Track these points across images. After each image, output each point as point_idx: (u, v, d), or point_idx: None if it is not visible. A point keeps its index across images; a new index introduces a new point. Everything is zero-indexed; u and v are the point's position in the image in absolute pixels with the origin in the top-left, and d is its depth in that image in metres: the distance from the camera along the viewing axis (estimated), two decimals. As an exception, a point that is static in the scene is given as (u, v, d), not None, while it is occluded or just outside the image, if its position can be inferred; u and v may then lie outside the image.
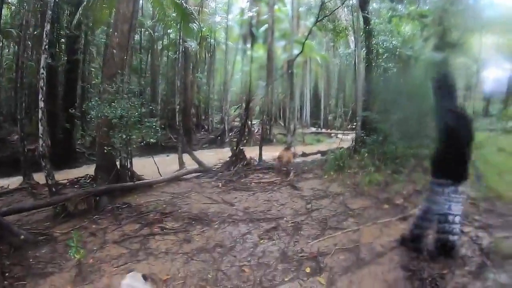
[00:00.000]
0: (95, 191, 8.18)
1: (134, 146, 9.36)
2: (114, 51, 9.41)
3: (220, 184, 9.59)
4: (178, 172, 11.32)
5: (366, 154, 10.08)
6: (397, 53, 11.89)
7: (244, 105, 15.88)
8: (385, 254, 4.76)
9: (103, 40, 21.37)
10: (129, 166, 9.88)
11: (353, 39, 22.80)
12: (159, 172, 11.45)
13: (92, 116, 8.40)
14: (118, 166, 9.57)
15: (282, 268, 4.65)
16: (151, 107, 14.85)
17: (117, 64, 9.36)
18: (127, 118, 8.36)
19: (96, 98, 9.21)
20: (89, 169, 12.07)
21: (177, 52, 19.01)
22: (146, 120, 9.02)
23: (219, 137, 27.17)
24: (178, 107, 16.35)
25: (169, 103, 26.93)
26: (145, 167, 12.22)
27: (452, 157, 4.29)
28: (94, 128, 18.15)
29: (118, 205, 7.82)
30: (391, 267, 4.44)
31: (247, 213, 7.03)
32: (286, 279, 4.37)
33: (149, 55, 28.50)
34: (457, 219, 4.26)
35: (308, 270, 4.54)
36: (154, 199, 8.33)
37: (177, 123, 15.62)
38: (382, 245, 5.04)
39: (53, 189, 8.31)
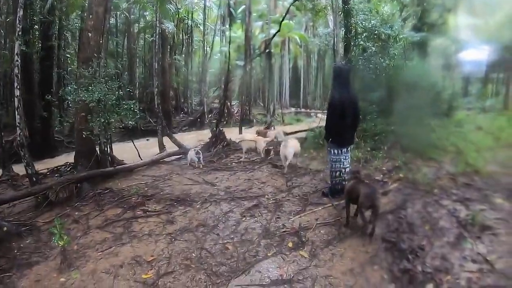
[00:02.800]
0: (75, 178, 8.11)
1: (113, 130, 9.27)
2: (90, 34, 9.20)
3: (200, 165, 9.55)
4: (158, 155, 11.26)
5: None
6: (376, 32, 11.87)
7: (222, 86, 15.79)
8: (366, 227, 4.87)
9: (77, 25, 20.65)
10: (109, 151, 9.81)
11: (332, 19, 22.78)
12: (139, 156, 11.44)
13: (69, 102, 8.26)
14: (98, 152, 9.43)
15: (264, 243, 4.73)
16: (128, 89, 14.70)
17: (92, 48, 9.17)
18: (105, 102, 8.25)
19: (73, 83, 9.05)
20: (69, 157, 11.84)
21: (154, 34, 18.71)
22: (124, 102, 8.92)
23: (198, 119, 27.06)
24: (156, 90, 16.05)
25: (147, 87, 26.60)
26: (126, 151, 12.24)
27: (342, 127, 5.85)
28: (72, 115, 17.94)
29: (100, 190, 7.75)
30: (372, 239, 4.55)
31: (228, 192, 7.07)
32: (269, 254, 4.45)
33: (126, 38, 27.94)
34: (348, 170, 5.88)
35: (290, 244, 4.64)
36: (136, 183, 8.27)
37: (156, 107, 15.39)
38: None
39: (34, 179, 8.18)
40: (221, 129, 13.15)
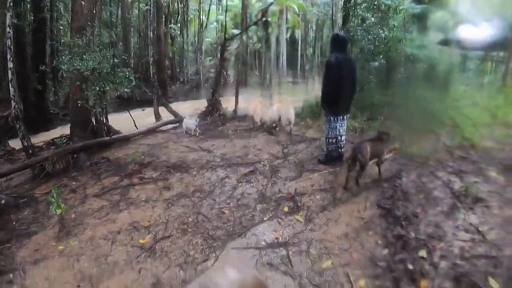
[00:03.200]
0: (72, 149, 8.11)
1: (109, 99, 9.20)
2: (83, 2, 9.03)
3: (197, 133, 9.55)
4: (154, 124, 11.23)
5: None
6: (376, 3, 11.65)
7: (218, 55, 15.57)
8: (360, 194, 4.90)
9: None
10: (104, 121, 9.78)
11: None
12: (135, 125, 11.42)
13: (64, 72, 8.18)
14: (94, 122, 9.41)
15: (260, 208, 4.80)
16: (124, 57, 14.51)
17: (86, 16, 9.00)
18: (100, 70, 8.16)
19: (67, 53, 8.93)
20: (65, 130, 11.72)
21: (149, 3, 18.33)
22: (119, 70, 8.82)
23: (194, 89, 26.85)
24: (151, 59, 15.87)
25: (142, 56, 26.27)
26: (122, 122, 12.19)
27: (339, 95, 5.86)
28: (66, 87, 17.71)
29: (96, 160, 7.78)
30: (366, 205, 4.59)
31: (225, 159, 7.10)
32: (265, 218, 4.51)
33: (119, 8, 27.41)
34: (344, 137, 6.20)
35: (286, 209, 4.70)
36: (132, 151, 8.26)
37: (151, 76, 15.24)
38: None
39: (30, 151, 8.17)
40: (217, 97, 13.05)
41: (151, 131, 10.44)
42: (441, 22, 12.98)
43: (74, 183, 6.69)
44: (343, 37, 6.12)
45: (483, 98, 10.71)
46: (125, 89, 8.86)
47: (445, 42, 12.75)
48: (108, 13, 25.30)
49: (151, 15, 17.55)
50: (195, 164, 6.89)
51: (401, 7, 11.97)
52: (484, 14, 12.69)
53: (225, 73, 25.42)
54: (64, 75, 8.46)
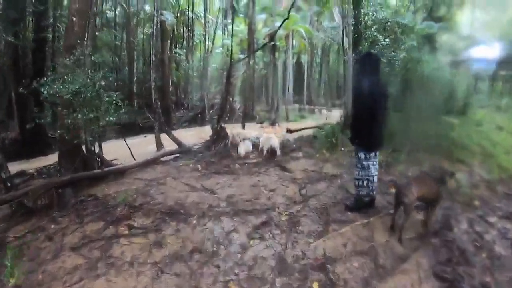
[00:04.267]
0: (56, 183, 7.00)
1: (100, 126, 8.07)
2: (74, 19, 8.10)
3: (199, 167, 8.49)
4: (154, 155, 10.14)
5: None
6: (389, 24, 11.16)
7: (224, 80, 14.69)
8: (409, 257, 3.77)
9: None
10: (96, 151, 8.70)
11: (338, 13, 21.93)
12: (132, 155, 10.36)
13: (44, 95, 7.12)
14: (85, 152, 8.34)
15: (281, 284, 3.59)
16: (115, 80, 13.52)
17: (76, 33, 8.06)
18: (85, 94, 7.08)
19: (48, 73, 7.92)
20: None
21: (152, 25, 17.60)
22: (106, 94, 7.67)
23: (199, 115, 25.96)
24: (153, 84, 15.02)
25: (146, 81, 25.47)
26: (121, 150, 11.18)
27: (372, 126, 4.81)
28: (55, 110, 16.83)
29: (83, 198, 6.72)
30: (420, 275, 3.46)
31: (231, 203, 5.95)
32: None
33: (124, 31, 26.78)
34: (376, 178, 5.10)
35: (316, 286, 3.50)
36: (125, 187, 7.18)
37: (153, 102, 14.36)
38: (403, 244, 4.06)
39: (8, 184, 7.07)
40: (222, 125, 12.05)
41: (150, 162, 9.36)
42: (450, 44, 12.43)
43: (53, 226, 5.59)
44: (376, 57, 5.20)
45: (505, 120, 10.31)
46: (110, 118, 7.67)
47: (456, 64, 12.22)
48: (113, 37, 24.66)
49: (154, 38, 16.83)
50: (195, 209, 5.73)
51: (417, 27, 11.70)
52: (494, 34, 12.31)
53: (231, 99, 24.92)
54: (48, 99, 7.27)
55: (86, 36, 8.38)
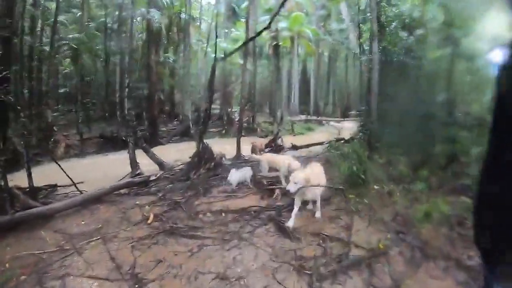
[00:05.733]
0: None
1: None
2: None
3: (151, 217, 5.62)
4: (96, 192, 7.20)
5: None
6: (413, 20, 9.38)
7: (207, 87, 12.12)
8: None
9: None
10: (7, 185, 5.99)
11: (345, 8, 19.89)
12: (75, 185, 7.62)
13: None
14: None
15: None
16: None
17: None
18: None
19: None
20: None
21: (132, 21, 15.04)
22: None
23: (192, 127, 23.23)
24: (126, 91, 12.47)
25: (132, 90, 22.94)
26: (95, 169, 10.46)
27: None
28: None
29: None
30: None
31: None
32: None
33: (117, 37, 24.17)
34: None
35: None
36: (25, 253, 4.54)
37: (125, 113, 11.82)
38: None
39: None
40: (206, 144, 9.45)
41: (95, 199, 6.72)
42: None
43: None
44: None
45: None
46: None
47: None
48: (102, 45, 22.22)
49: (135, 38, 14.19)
50: None
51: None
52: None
53: (229, 110, 23.83)
54: None
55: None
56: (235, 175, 7.38)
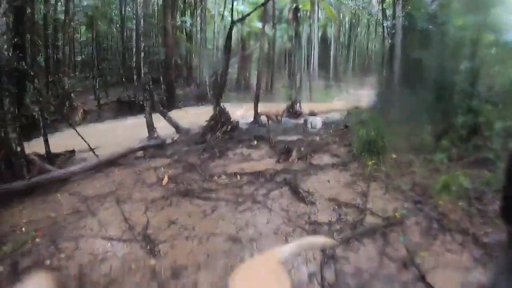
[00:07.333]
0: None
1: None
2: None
3: (166, 179, 5.62)
4: (117, 154, 7.27)
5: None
6: None
7: (224, 51, 11.88)
8: None
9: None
10: (23, 152, 6.00)
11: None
12: (92, 150, 7.56)
13: None
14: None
15: None
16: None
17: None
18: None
19: None
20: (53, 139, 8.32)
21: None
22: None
23: (211, 91, 23.14)
24: (143, 55, 12.40)
25: (151, 55, 22.76)
26: (113, 133, 10.53)
27: None
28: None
29: None
30: None
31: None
32: None
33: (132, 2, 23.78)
34: None
35: None
36: (39, 216, 4.59)
37: (141, 76, 11.93)
38: None
39: None
40: (223, 107, 9.50)
41: (110, 162, 6.81)
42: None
43: None
44: None
45: None
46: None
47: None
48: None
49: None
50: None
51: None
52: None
53: (247, 74, 23.33)
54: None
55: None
56: (316, 120, 7.45)
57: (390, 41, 9.54)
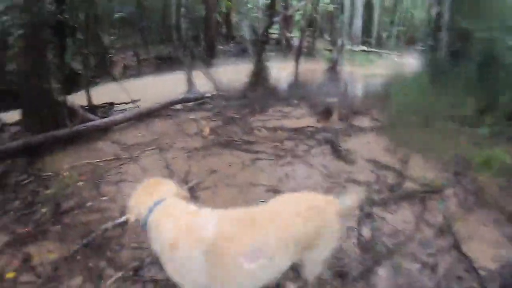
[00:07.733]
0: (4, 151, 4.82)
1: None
2: None
3: (207, 131, 5.65)
4: (156, 105, 7.31)
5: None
6: None
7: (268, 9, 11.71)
8: None
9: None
10: (65, 102, 6.06)
11: None
12: (132, 102, 7.74)
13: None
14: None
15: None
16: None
17: None
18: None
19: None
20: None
21: None
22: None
23: (253, 48, 23.04)
24: (183, 10, 12.34)
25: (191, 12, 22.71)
26: (151, 88, 10.36)
27: None
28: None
29: (24, 177, 4.39)
30: None
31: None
32: None
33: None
34: None
35: None
36: (85, 161, 4.70)
37: (180, 33, 11.84)
38: None
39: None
40: (265, 64, 9.57)
41: (151, 113, 6.88)
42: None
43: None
44: None
45: None
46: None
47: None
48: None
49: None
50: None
51: None
52: None
53: (288, 35, 22.67)
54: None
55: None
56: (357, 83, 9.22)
57: (437, 8, 8.98)
